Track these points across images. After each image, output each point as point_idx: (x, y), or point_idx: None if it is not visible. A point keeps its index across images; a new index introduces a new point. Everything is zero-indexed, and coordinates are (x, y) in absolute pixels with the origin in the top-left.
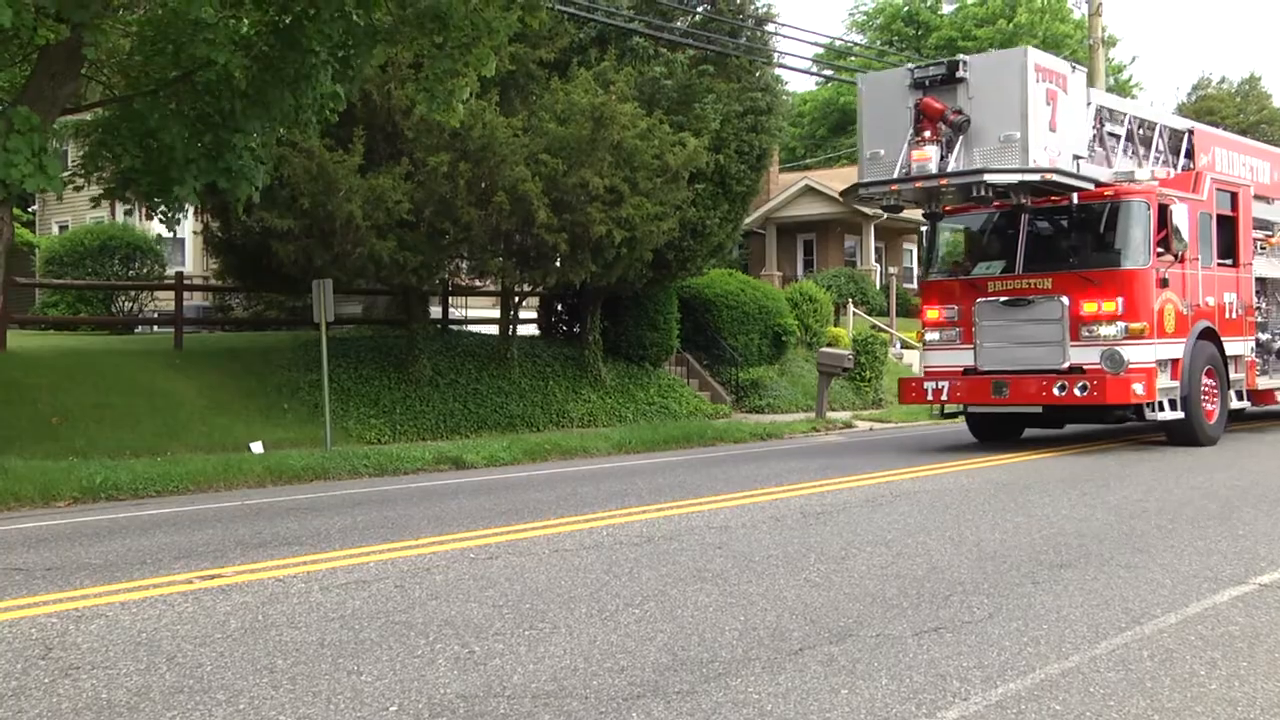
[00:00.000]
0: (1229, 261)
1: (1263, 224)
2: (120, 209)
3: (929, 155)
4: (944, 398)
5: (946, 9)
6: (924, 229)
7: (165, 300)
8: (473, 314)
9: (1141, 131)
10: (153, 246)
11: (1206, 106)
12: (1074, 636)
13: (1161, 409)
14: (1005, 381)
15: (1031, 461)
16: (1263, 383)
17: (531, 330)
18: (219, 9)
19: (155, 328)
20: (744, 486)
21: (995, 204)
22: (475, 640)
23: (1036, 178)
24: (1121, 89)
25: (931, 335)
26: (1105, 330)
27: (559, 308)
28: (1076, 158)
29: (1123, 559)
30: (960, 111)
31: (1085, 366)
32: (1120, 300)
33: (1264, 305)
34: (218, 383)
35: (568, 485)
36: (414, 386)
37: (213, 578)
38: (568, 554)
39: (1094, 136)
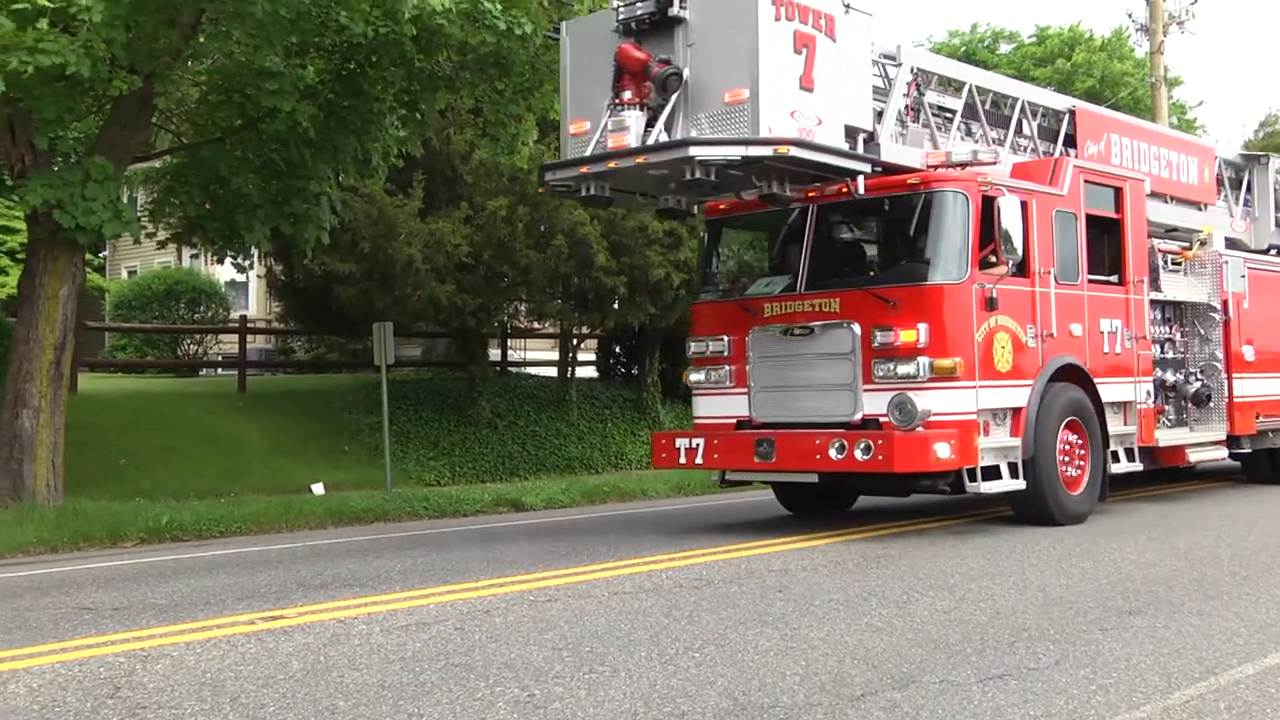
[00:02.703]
0: (1113, 279)
1: (1184, 234)
2: (187, 254)
3: (627, 124)
4: (698, 460)
5: (1004, 49)
6: (704, 234)
7: (229, 343)
8: (531, 356)
9: (997, 110)
10: (218, 290)
11: (1274, 143)
12: (1145, 685)
13: (994, 476)
14: (770, 439)
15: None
16: (1167, 437)
17: (590, 372)
18: (285, 58)
19: (219, 370)
20: (803, 530)
21: (744, 198)
22: (535, 683)
23: (768, 151)
24: (1186, 128)
25: (697, 376)
26: (904, 368)
27: (617, 350)
28: (861, 133)
29: (1194, 606)
30: (668, 61)
31: (881, 419)
32: (924, 327)
33: (1179, 337)
34: (279, 425)
35: (626, 528)
36: (473, 428)
37: (275, 619)
38: (627, 597)
39: (905, 108)
